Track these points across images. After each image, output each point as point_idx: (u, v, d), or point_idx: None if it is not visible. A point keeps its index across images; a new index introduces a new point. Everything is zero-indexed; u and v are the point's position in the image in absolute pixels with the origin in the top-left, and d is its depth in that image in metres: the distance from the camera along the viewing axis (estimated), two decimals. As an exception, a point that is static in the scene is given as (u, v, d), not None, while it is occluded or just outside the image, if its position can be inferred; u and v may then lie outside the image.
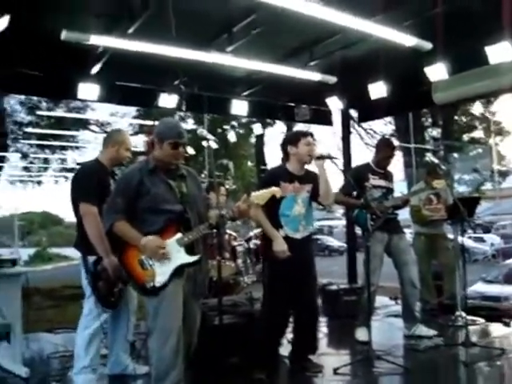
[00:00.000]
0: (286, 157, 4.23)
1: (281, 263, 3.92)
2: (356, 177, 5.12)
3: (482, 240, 24.57)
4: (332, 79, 6.38)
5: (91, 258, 3.69)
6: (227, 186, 5.37)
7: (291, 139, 4.22)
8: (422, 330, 5.10)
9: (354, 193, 5.03)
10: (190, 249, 3.20)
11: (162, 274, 3.13)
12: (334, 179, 5.79)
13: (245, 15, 4.94)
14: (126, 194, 3.20)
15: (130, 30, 4.88)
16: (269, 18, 4.93)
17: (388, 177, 5.33)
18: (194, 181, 3.47)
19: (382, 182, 5.23)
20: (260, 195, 3.30)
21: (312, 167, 4.23)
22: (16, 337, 4.19)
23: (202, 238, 3.33)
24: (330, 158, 4.09)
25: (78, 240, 3.86)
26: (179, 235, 3.18)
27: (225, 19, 5.11)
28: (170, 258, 3.14)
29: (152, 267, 3.14)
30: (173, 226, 3.20)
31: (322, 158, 4.08)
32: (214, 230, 3.35)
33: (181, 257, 3.16)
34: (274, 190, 3.38)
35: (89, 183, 3.76)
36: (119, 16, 4.84)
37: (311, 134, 4.20)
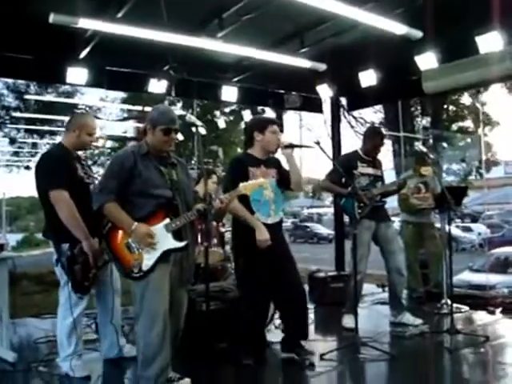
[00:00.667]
0: (251, 142, 4.18)
1: (257, 251, 3.88)
2: (344, 164, 5.14)
3: (469, 229, 24.80)
4: (322, 67, 6.36)
5: (65, 246, 3.62)
6: (218, 174, 5.37)
7: (258, 125, 4.17)
8: (409, 318, 5.14)
9: (343, 180, 5.04)
10: (177, 234, 3.22)
11: (148, 258, 3.14)
12: (322, 165, 5.81)
13: (236, 1, 4.90)
14: (118, 176, 3.21)
15: (120, 14, 4.82)
16: (260, 4, 4.91)
17: (376, 165, 5.34)
18: (184, 170, 3.51)
19: (370, 170, 5.25)
20: (248, 185, 3.33)
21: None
22: (3, 322, 4.21)
23: (190, 225, 3.34)
24: (299, 146, 4.08)
25: (47, 228, 3.81)
26: (167, 221, 3.20)
27: (215, 4, 5.05)
28: (157, 243, 3.15)
29: (139, 251, 3.15)
30: (162, 211, 3.22)
31: (290, 146, 4.06)
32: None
33: (168, 242, 3.19)
34: (262, 181, 3.46)
35: (56, 169, 3.67)
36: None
37: (277, 123, 4.17)
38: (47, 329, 5.10)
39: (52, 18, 4.58)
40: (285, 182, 4.19)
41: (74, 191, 3.61)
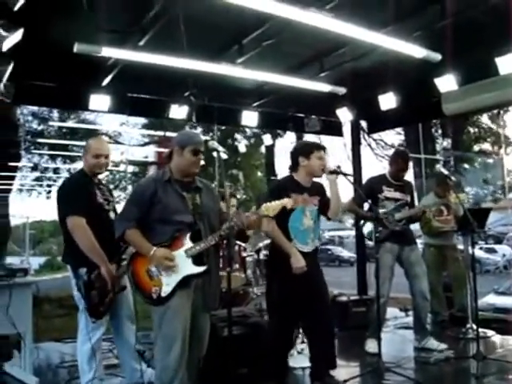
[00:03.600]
0: (295, 167, 4.13)
1: (291, 278, 3.83)
2: (369, 188, 5.14)
3: (493, 251, 24.39)
4: (342, 90, 6.40)
5: (83, 270, 3.65)
6: (238, 197, 5.40)
7: (303, 150, 4.10)
8: (433, 343, 5.06)
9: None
10: (198, 259, 3.21)
11: (168, 284, 3.15)
12: (345, 191, 5.77)
13: (255, 27, 4.97)
14: (139, 203, 3.24)
15: (141, 43, 4.94)
16: (279, 30, 4.97)
17: (405, 189, 5.29)
18: (210, 194, 3.49)
19: (396, 195, 5.20)
20: (271, 206, 3.30)
21: (321, 180, 4.19)
22: (26, 346, 4.23)
23: (214, 250, 3.34)
24: (343, 173, 4.03)
25: (65, 253, 3.86)
26: (187, 246, 3.20)
27: (235, 31, 5.14)
28: (177, 268, 3.15)
29: (159, 277, 3.16)
30: (182, 236, 3.21)
31: (335, 173, 4.01)
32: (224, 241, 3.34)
33: (188, 267, 3.18)
34: (285, 201, 3.36)
35: (73, 196, 3.74)
36: (130, 29, 4.89)
37: (324, 148, 4.11)
38: (69, 353, 5.12)
39: (76, 47, 4.71)
40: (324, 209, 4.13)
41: (93, 217, 3.66)
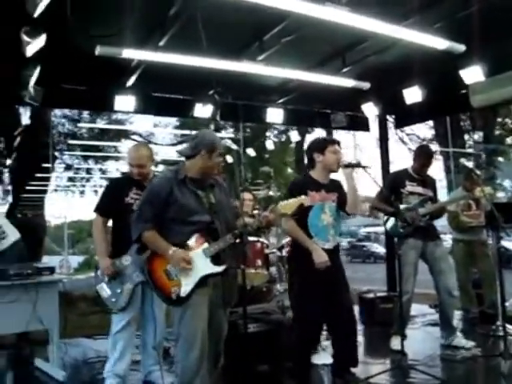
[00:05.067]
0: (312, 164, 4.11)
1: (313, 274, 3.81)
2: (392, 183, 5.09)
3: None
4: (366, 85, 6.31)
5: None
6: (271, 193, 5.42)
7: (317, 146, 4.09)
8: (460, 341, 4.97)
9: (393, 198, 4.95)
10: (216, 258, 3.22)
11: (187, 284, 3.15)
12: (368, 187, 5.72)
13: (274, 24, 4.96)
14: (154, 204, 3.24)
15: (162, 43, 4.97)
16: (299, 26, 4.94)
17: (428, 184, 5.21)
18: (223, 190, 3.49)
19: (419, 189, 5.13)
20: (287, 205, 3.30)
21: (337, 176, 4.16)
22: (54, 342, 4.39)
23: (231, 247, 3.33)
24: (358, 166, 4.00)
25: None
26: (206, 245, 3.22)
27: (255, 28, 5.14)
28: (196, 268, 3.16)
29: (178, 277, 3.17)
30: (200, 236, 3.23)
31: (350, 166, 3.98)
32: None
33: (207, 267, 3.19)
34: (301, 198, 3.36)
35: (101, 196, 4.15)
36: (150, 29, 4.94)
37: (338, 142, 4.09)
38: (99, 349, 5.23)
39: (98, 50, 4.80)
40: (342, 204, 4.10)
41: (119, 215, 3.90)
